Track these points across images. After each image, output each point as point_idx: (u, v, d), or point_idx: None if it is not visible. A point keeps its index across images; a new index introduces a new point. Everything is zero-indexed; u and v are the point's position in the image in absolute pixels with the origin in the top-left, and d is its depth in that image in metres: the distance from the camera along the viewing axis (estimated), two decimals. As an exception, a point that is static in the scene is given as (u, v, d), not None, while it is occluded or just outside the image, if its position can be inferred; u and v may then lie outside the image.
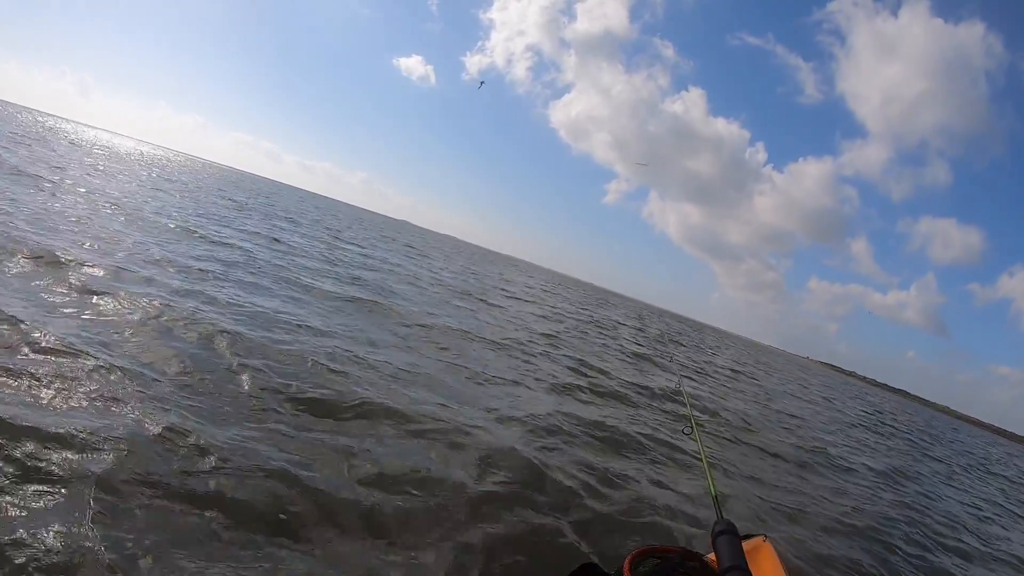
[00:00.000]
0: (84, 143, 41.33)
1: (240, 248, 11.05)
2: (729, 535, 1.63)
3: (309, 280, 9.64)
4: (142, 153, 62.47)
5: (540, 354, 9.62)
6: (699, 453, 2.46)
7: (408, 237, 50.39)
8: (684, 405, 3.89)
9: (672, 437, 6.71)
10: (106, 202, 11.92)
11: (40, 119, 71.38)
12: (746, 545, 1.89)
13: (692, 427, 2.76)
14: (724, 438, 8.03)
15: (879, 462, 10.57)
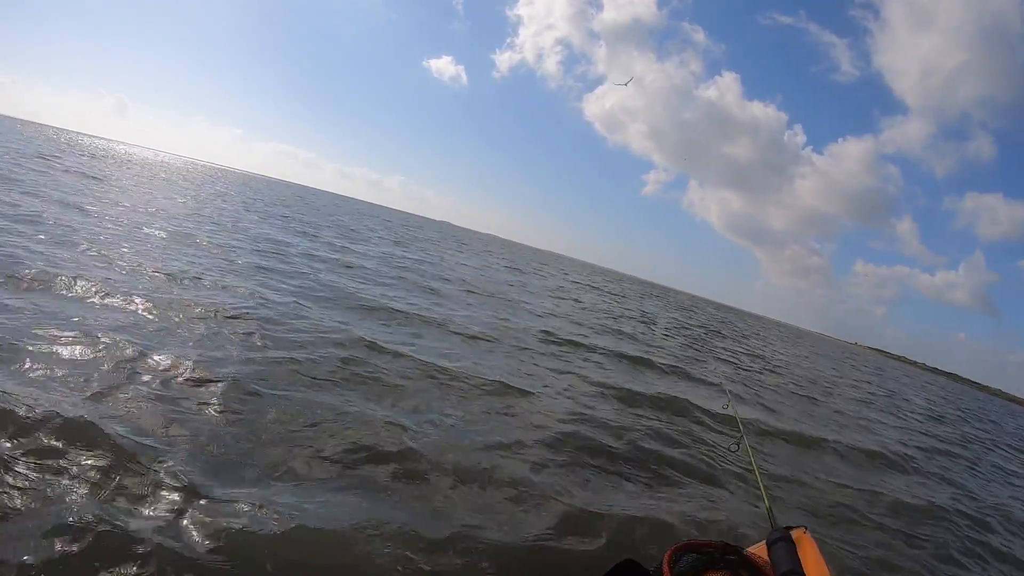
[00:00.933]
0: (105, 156, 41.36)
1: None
2: (785, 542, 1.64)
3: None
4: (163, 163, 62.88)
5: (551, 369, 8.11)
6: (751, 466, 2.53)
7: (435, 235, 49.28)
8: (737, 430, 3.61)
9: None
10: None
11: (64, 137, 72.38)
12: None
13: (740, 442, 2.92)
14: (777, 462, 6.48)
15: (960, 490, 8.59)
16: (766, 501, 2.15)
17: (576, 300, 20.27)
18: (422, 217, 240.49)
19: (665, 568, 1.52)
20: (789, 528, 2.12)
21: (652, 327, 18.27)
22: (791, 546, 1.64)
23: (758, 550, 1.77)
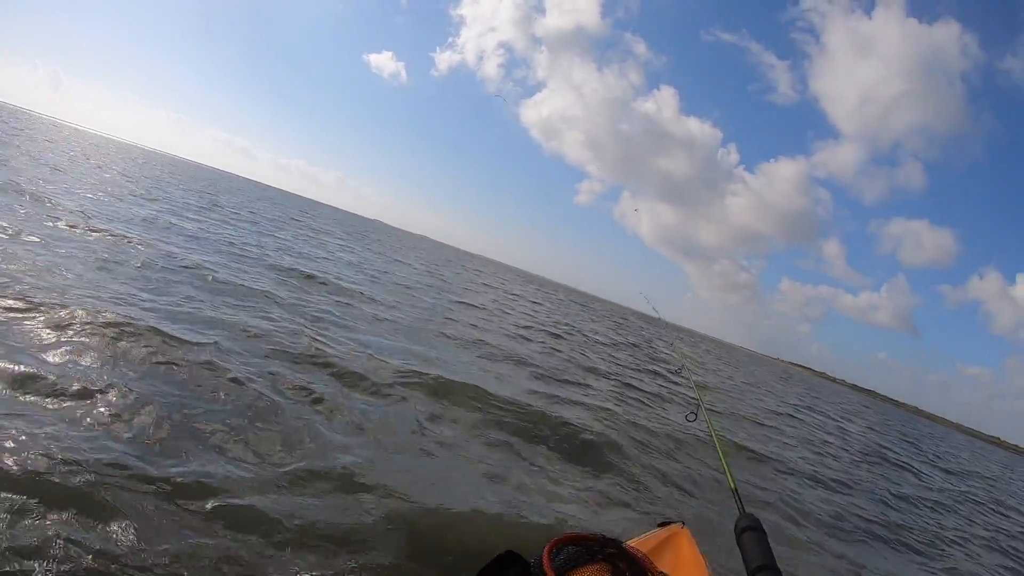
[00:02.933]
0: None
1: None
2: (756, 531, 1.57)
3: None
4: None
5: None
6: (711, 438, 2.36)
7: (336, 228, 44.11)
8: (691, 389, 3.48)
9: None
10: None
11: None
12: (663, 532, 2.16)
13: (699, 412, 2.78)
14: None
15: None
16: (732, 481, 1.91)
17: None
18: (357, 215, 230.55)
19: (545, 560, 1.43)
20: (666, 523, 2.30)
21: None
22: (762, 536, 1.56)
23: (638, 543, 1.87)
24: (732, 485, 1.90)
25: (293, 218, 33.32)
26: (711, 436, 2.32)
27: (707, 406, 4.08)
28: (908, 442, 23.30)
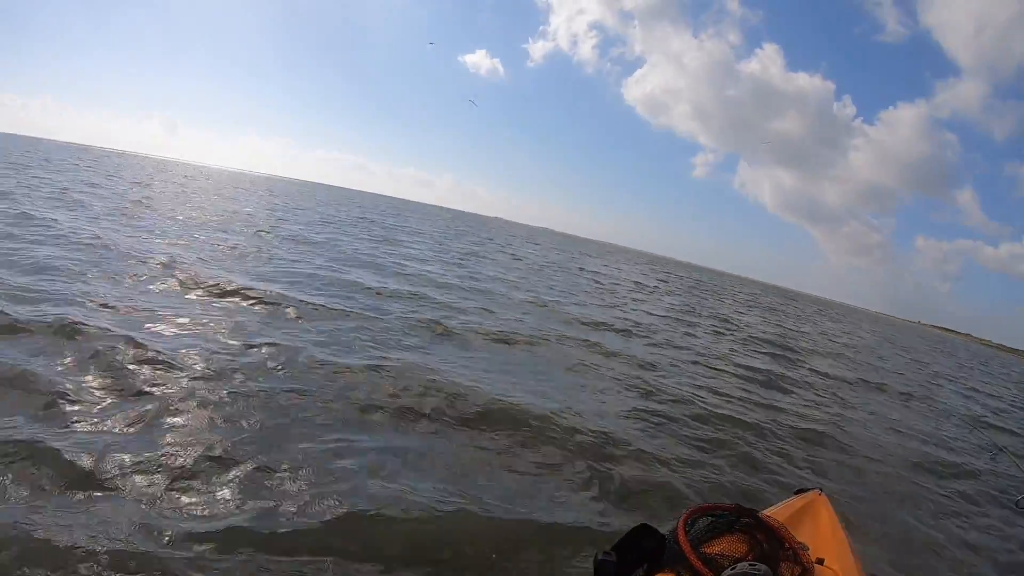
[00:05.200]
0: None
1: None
2: None
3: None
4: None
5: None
6: None
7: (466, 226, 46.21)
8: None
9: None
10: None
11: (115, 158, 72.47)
12: (800, 499, 2.10)
13: None
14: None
15: None
16: None
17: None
18: (476, 215, 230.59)
19: (680, 532, 1.45)
20: (802, 491, 2.25)
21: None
22: None
23: (774, 512, 1.80)
24: None
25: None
26: None
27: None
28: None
